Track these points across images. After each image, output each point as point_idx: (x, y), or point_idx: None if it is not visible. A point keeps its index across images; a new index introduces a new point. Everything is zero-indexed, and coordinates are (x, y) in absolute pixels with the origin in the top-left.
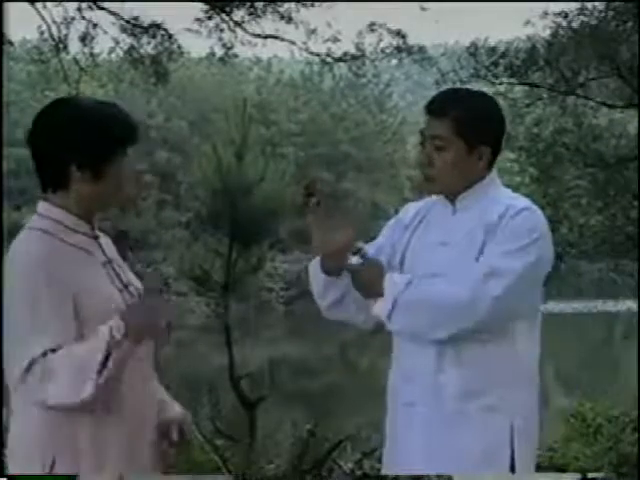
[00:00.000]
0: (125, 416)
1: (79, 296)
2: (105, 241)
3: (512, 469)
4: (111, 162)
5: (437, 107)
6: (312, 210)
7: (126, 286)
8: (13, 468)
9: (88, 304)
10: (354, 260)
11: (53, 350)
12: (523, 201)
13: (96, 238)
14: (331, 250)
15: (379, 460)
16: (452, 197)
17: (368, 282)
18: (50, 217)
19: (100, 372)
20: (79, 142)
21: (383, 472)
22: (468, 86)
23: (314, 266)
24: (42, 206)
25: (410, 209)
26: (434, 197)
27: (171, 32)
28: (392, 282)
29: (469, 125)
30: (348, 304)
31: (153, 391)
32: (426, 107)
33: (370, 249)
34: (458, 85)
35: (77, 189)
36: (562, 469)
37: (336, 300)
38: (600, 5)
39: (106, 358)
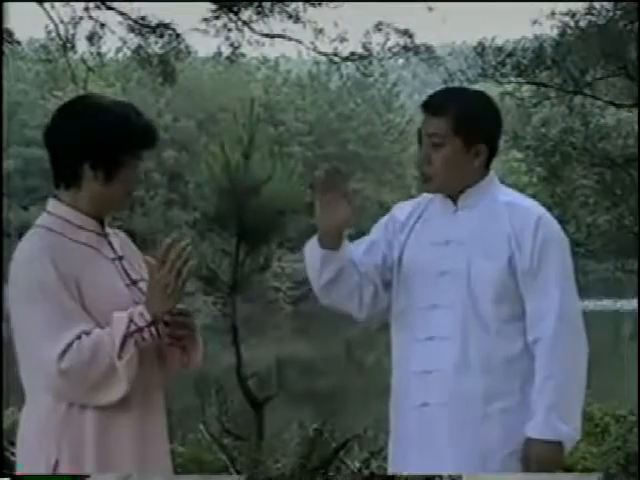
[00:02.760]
0: (134, 413)
1: (84, 290)
2: (117, 239)
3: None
4: (125, 165)
5: (434, 105)
6: (317, 187)
7: (135, 282)
8: (20, 463)
9: (92, 298)
10: None
11: (86, 333)
12: (530, 203)
13: (105, 236)
14: (332, 224)
15: (386, 459)
16: (453, 196)
17: None
18: (58, 215)
19: (120, 355)
20: (97, 142)
21: (390, 472)
22: (476, 85)
23: (310, 244)
24: (52, 204)
25: (405, 207)
26: (430, 195)
27: (178, 32)
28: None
29: (466, 122)
30: (343, 283)
31: (160, 389)
32: (423, 105)
33: (362, 245)
34: (465, 85)
35: (89, 188)
36: (569, 468)
37: (332, 278)
38: (608, 5)
39: (124, 340)
